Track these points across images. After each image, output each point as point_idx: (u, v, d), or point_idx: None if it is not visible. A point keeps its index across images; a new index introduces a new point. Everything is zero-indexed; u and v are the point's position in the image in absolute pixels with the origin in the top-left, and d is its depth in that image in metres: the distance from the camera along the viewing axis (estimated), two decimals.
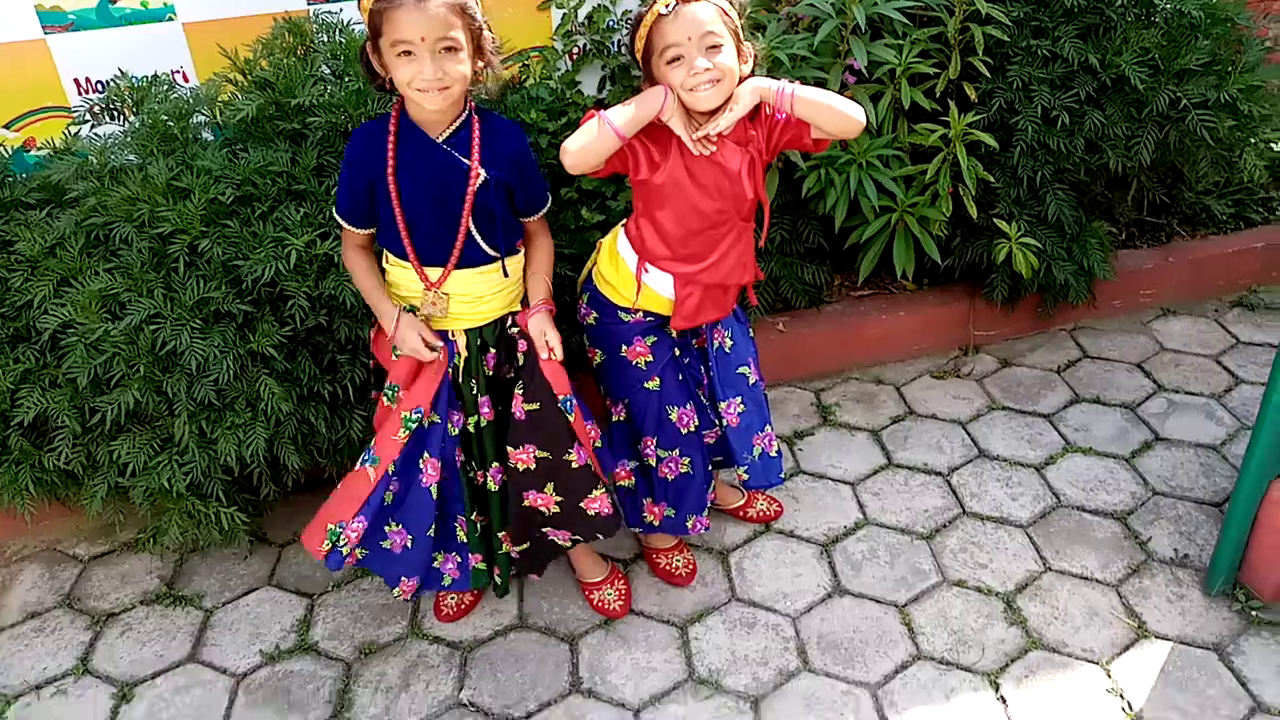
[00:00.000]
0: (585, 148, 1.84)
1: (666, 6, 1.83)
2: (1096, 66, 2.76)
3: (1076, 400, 2.99)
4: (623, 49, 2.99)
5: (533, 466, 2.04)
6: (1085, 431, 2.85)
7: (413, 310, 1.99)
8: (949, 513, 2.60)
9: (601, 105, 2.94)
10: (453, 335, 2.01)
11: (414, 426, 2.01)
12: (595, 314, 2.18)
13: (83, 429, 2.19)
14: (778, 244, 2.97)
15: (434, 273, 1.94)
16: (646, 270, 2.06)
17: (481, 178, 1.86)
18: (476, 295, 1.98)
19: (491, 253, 1.94)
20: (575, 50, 2.96)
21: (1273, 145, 3.59)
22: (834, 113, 1.88)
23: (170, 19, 2.64)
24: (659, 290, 2.09)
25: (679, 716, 2.12)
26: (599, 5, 2.92)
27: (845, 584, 2.41)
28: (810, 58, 2.65)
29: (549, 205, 2.07)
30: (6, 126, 2.65)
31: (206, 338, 2.12)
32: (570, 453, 2.03)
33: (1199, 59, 2.77)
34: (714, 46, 1.84)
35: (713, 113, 1.90)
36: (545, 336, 2.00)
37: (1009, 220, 2.85)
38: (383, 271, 2.02)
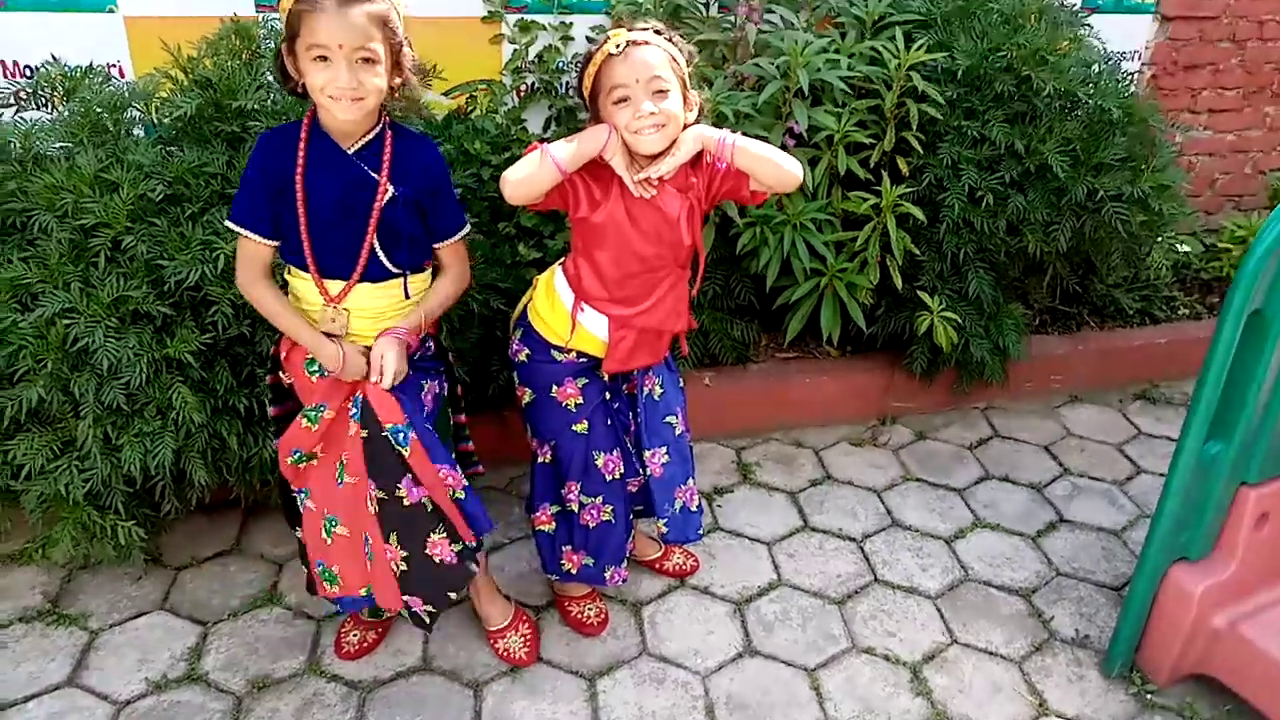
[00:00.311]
0: (526, 178, 1.83)
1: (617, 46, 1.84)
2: (1022, 152, 2.89)
3: (987, 477, 3.06)
4: (570, 91, 3.03)
5: (375, 509, 1.96)
6: (994, 508, 2.91)
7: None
8: (861, 579, 2.61)
9: (545, 142, 2.96)
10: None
11: (316, 420, 1.92)
12: (528, 350, 2.15)
13: None
14: (710, 298, 3.01)
15: (334, 286, 1.87)
16: (582, 309, 2.05)
17: (389, 193, 1.81)
18: (377, 312, 1.91)
19: (394, 270, 1.88)
20: (523, 87, 2.98)
21: (1177, 246, 3.80)
22: (773, 165, 1.90)
23: (111, 10, 2.58)
24: (593, 331, 2.07)
25: None
26: (550, 45, 2.96)
27: (757, 644, 2.39)
28: (754, 116, 2.71)
29: (464, 233, 2.00)
30: None
31: (122, 338, 2.03)
32: (400, 488, 1.94)
33: (1116, 154, 2.93)
34: (661, 91, 1.84)
35: (655, 157, 1.91)
36: (381, 360, 1.88)
37: (932, 293, 2.94)
38: (283, 286, 1.94)
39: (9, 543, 2.45)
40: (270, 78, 2.33)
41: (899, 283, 2.91)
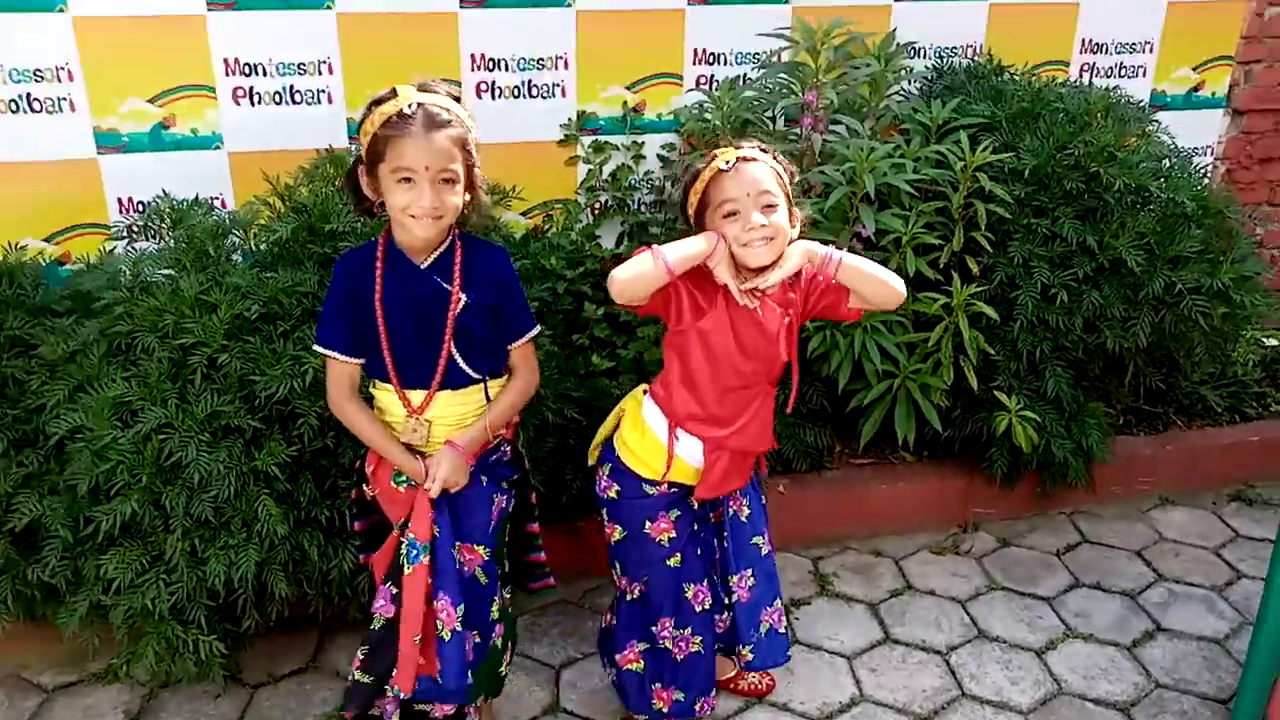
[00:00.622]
0: (635, 277, 1.85)
1: (727, 162, 1.90)
2: (1094, 248, 2.87)
3: (1077, 585, 2.95)
4: (642, 207, 3.12)
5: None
6: (1086, 618, 2.80)
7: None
8: (947, 694, 2.52)
9: (619, 260, 3.05)
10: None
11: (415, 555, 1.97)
12: (617, 487, 2.10)
13: (74, 540, 2.16)
14: (780, 402, 3.00)
15: (416, 397, 1.93)
16: (678, 438, 2.04)
17: (462, 302, 1.89)
18: (458, 420, 1.96)
19: (474, 375, 1.94)
20: (597, 205, 3.09)
21: (1264, 340, 3.68)
22: (878, 283, 1.93)
23: (217, 148, 2.77)
24: (689, 460, 2.05)
25: None
26: (622, 165, 3.07)
27: None
28: (821, 221, 2.76)
29: (533, 334, 2.05)
30: (47, 239, 2.74)
31: (213, 452, 2.12)
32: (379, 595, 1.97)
33: (1192, 247, 2.89)
34: (770, 205, 1.89)
35: (760, 271, 1.93)
36: (437, 468, 1.92)
37: (1009, 393, 2.90)
38: (369, 400, 2.01)
39: (96, 660, 2.50)
40: None
41: (974, 383, 2.88)
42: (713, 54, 3.12)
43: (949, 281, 2.86)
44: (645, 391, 2.12)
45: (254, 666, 2.53)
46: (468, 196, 1.88)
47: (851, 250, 2.81)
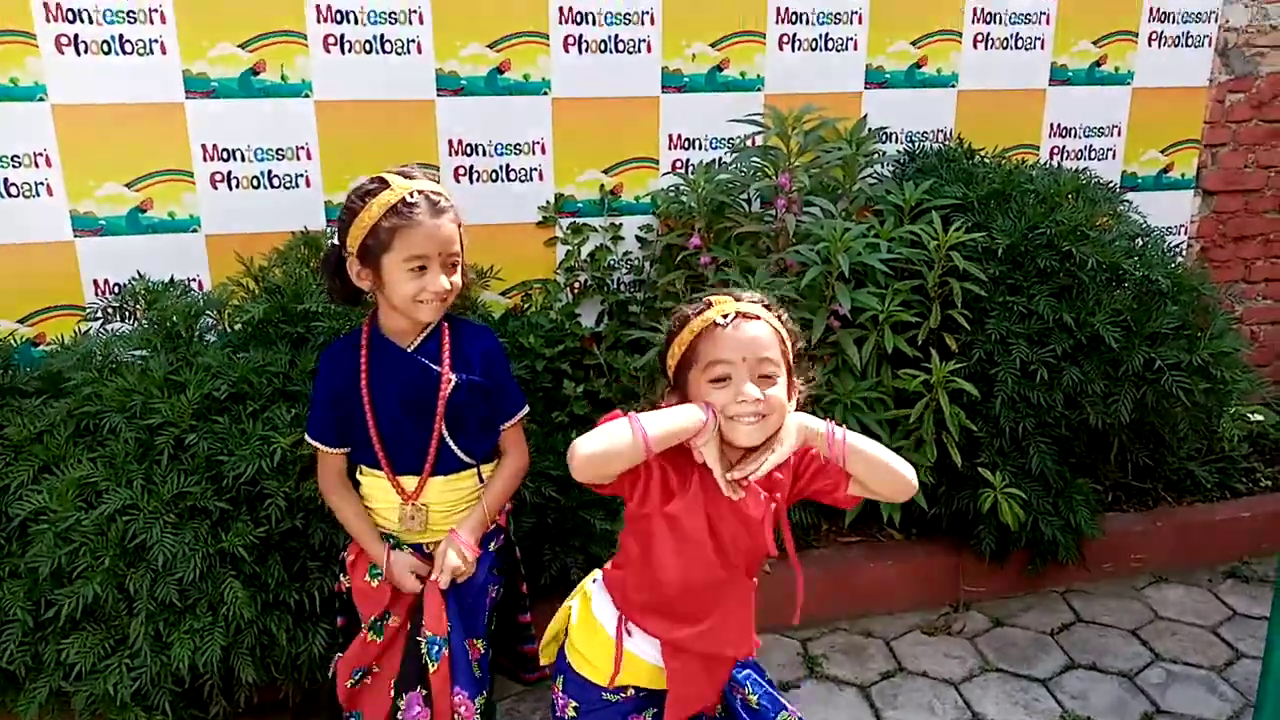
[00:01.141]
0: (603, 453, 1.49)
1: (725, 316, 1.59)
2: (1071, 325, 2.88)
3: (1073, 665, 2.87)
4: (621, 286, 3.14)
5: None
6: (1083, 700, 2.72)
7: (394, 542, 1.96)
8: None
9: (598, 338, 3.05)
10: (428, 548, 1.97)
11: (381, 631, 1.92)
12: (574, 703, 1.78)
13: (35, 624, 2.09)
14: None
15: (409, 482, 1.91)
16: (629, 633, 1.72)
17: (452, 382, 1.88)
18: (451, 505, 1.95)
19: (466, 459, 1.93)
20: (576, 284, 3.10)
21: (1249, 416, 3.67)
22: (884, 469, 1.60)
23: (194, 230, 2.79)
24: (645, 656, 1.73)
25: None
26: (601, 245, 3.09)
27: None
28: (799, 300, 2.77)
29: (524, 413, 2.05)
30: (21, 320, 2.73)
31: (179, 533, 2.08)
32: (403, 699, 1.91)
33: (1169, 323, 2.90)
34: (767, 376, 1.58)
35: (745, 451, 1.60)
36: (445, 558, 1.90)
37: (993, 470, 2.87)
38: (357, 486, 2.00)
39: None
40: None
41: (958, 460, 2.85)
42: (687, 139, 3.18)
43: (928, 359, 2.86)
44: (595, 580, 1.82)
45: None
46: (462, 279, 1.91)
47: (828, 329, 2.82)
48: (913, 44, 3.33)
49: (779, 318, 1.67)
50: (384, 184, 1.81)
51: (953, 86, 3.42)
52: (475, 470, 1.94)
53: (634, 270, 3.15)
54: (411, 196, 1.78)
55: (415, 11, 2.83)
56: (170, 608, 2.09)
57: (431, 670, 1.86)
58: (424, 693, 1.89)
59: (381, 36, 2.83)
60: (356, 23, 2.80)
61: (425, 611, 1.88)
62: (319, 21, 2.77)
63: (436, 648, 1.87)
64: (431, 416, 1.87)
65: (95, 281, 2.76)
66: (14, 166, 2.65)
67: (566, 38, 2.98)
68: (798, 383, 1.69)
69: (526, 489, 2.53)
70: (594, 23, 2.99)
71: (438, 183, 1.88)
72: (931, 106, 3.43)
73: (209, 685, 2.19)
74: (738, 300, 1.63)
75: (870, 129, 3.21)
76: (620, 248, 3.15)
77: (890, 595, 3.08)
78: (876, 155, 3.20)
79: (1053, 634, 3.01)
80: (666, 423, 1.53)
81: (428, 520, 1.92)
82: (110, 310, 2.55)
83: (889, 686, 2.77)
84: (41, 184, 2.68)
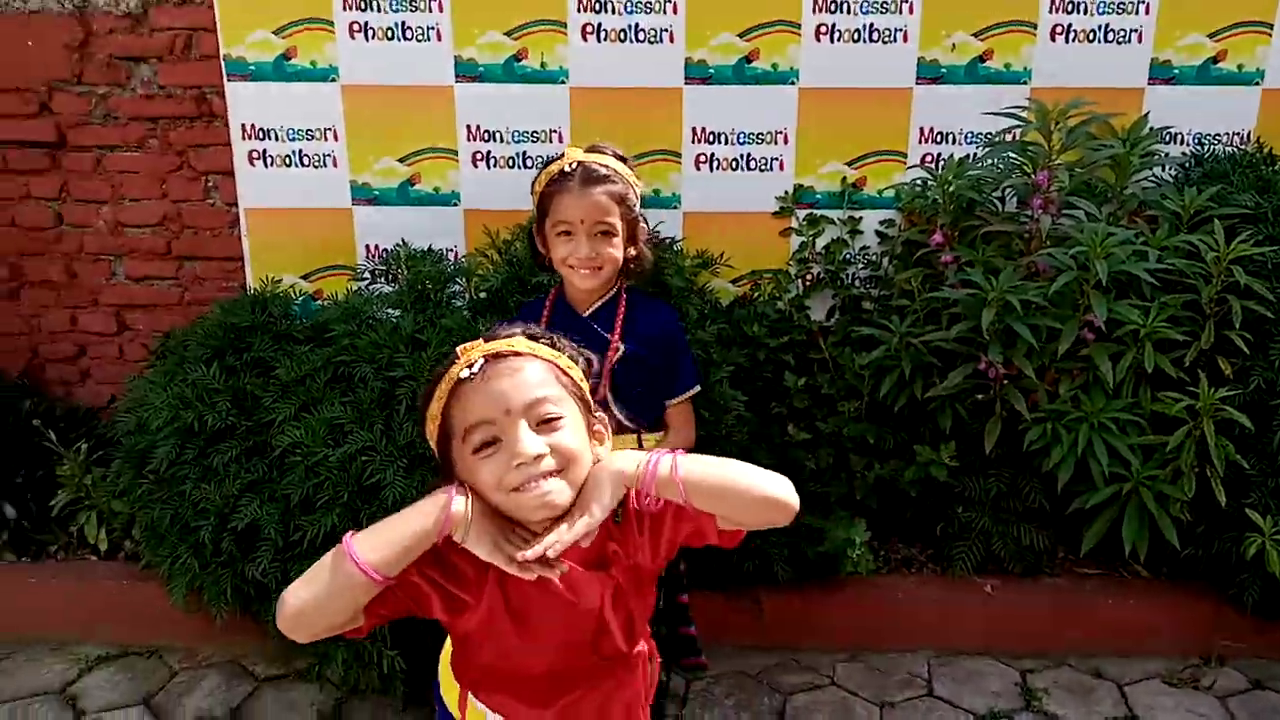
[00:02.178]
0: (316, 601, 1.21)
1: (470, 368, 1.27)
2: None
3: None
4: (856, 281, 3.05)
5: None
6: None
7: None
8: None
9: (826, 333, 2.99)
10: None
11: None
12: None
13: (285, 545, 2.34)
14: (993, 496, 2.80)
15: None
16: (473, 706, 1.45)
17: (620, 351, 1.95)
18: None
19: (629, 424, 1.96)
20: (809, 276, 3.05)
21: None
22: (740, 495, 1.26)
23: (455, 204, 3.02)
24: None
25: None
26: (838, 238, 3.03)
27: None
28: (1046, 308, 2.58)
29: (692, 392, 2.07)
30: (303, 276, 3.07)
31: (408, 477, 2.25)
32: None
33: None
34: (547, 421, 1.27)
35: (551, 522, 1.27)
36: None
37: (1264, 513, 2.54)
38: None
39: (299, 660, 2.68)
40: None
41: (1222, 497, 2.55)
42: (940, 133, 3.03)
43: (1195, 382, 2.58)
44: None
45: None
46: (631, 251, 1.98)
47: (1080, 341, 2.60)
48: (1210, 37, 3.00)
49: (552, 344, 1.35)
50: (562, 155, 1.95)
51: (1257, 84, 3.05)
52: (638, 436, 1.98)
53: (870, 266, 3.06)
54: (570, 166, 1.91)
55: (669, 1, 2.89)
56: None
57: None
58: None
59: (636, 25, 2.92)
60: (612, 11, 2.90)
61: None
62: (579, 11, 2.90)
63: None
64: (598, 380, 1.93)
65: (367, 246, 3.05)
66: (307, 139, 2.98)
67: (819, 27, 2.93)
68: (600, 416, 1.37)
69: None
70: (848, 10, 2.92)
71: (623, 160, 1.98)
72: (1228, 105, 3.07)
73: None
74: (490, 340, 1.32)
75: (1151, 128, 2.92)
76: (858, 242, 3.06)
77: (1129, 637, 2.81)
78: (1155, 156, 2.91)
79: None
80: (389, 536, 1.22)
81: None
82: (376, 272, 2.80)
83: None
84: (329, 156, 2.99)
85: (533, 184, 2.00)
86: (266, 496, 2.36)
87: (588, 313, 2.00)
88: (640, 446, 1.99)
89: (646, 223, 2.02)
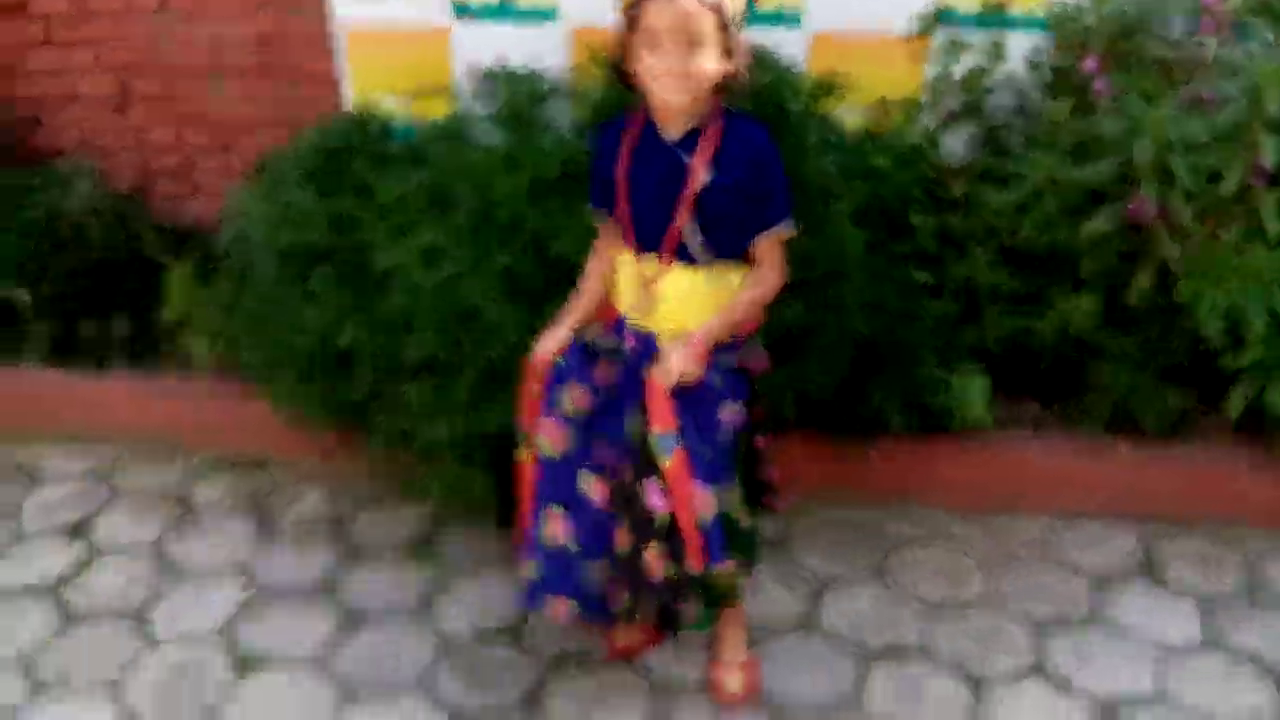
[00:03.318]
0: None
1: None
2: None
3: None
4: (998, 113, 2.78)
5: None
6: None
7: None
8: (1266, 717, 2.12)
9: (963, 171, 2.75)
10: (658, 339, 1.92)
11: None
12: None
13: (385, 367, 2.33)
14: (1135, 352, 2.59)
15: (649, 268, 1.90)
16: None
17: (703, 180, 1.81)
18: (684, 299, 1.89)
19: (707, 255, 1.86)
20: (945, 107, 2.79)
21: None
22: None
23: (554, 20, 2.83)
24: None
25: None
26: (978, 66, 2.74)
27: None
28: (1210, 145, 2.30)
29: (781, 228, 1.91)
30: (403, 96, 2.96)
31: (510, 302, 2.20)
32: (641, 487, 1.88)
33: None
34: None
35: None
36: (668, 359, 1.84)
37: None
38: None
39: (399, 479, 2.69)
40: None
41: None
42: None
43: None
44: None
45: None
46: (728, 66, 1.80)
47: (1246, 186, 2.32)
48: None
49: None
50: None
51: None
52: (720, 270, 1.88)
53: (1016, 95, 2.77)
54: None
55: None
56: (492, 373, 2.23)
57: (665, 465, 1.85)
58: (661, 485, 1.88)
59: None
60: None
61: (651, 409, 1.85)
62: None
63: (668, 443, 1.85)
64: (674, 209, 1.83)
65: (467, 66, 2.91)
66: None
67: None
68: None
69: (855, 319, 2.40)
70: None
71: None
72: None
73: None
74: None
75: None
76: (1001, 70, 2.76)
77: (1269, 510, 2.62)
78: None
79: None
80: None
81: (654, 309, 1.90)
82: (475, 93, 2.67)
83: (1238, 606, 2.41)
84: None
85: None
86: (365, 319, 2.34)
87: (673, 139, 1.84)
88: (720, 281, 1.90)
89: (743, 34, 1.83)
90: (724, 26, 1.77)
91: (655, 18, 1.73)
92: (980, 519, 2.67)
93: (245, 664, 2.27)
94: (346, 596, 2.43)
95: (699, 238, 1.85)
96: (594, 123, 2.41)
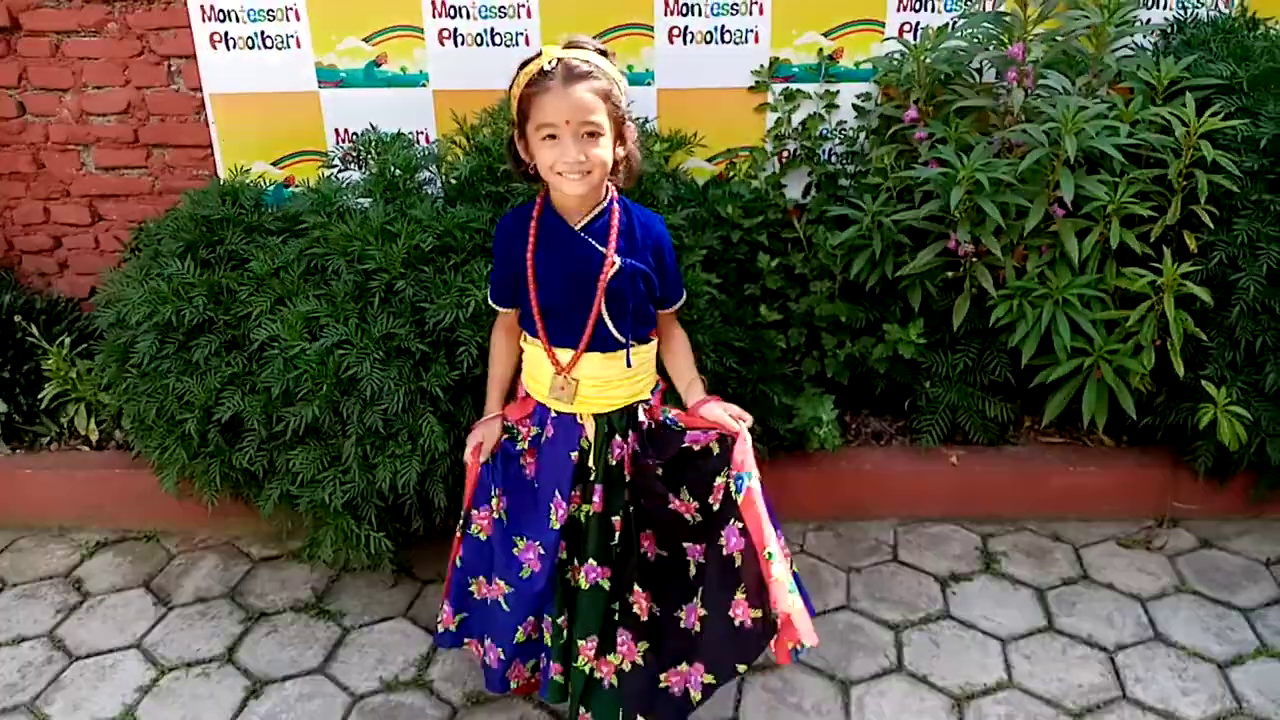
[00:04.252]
0: None
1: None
2: None
3: None
4: (832, 158, 3.04)
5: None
6: None
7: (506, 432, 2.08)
8: (1107, 693, 2.36)
9: (802, 210, 3.00)
10: (581, 419, 2.00)
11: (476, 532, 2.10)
12: None
13: (268, 435, 2.41)
14: (960, 371, 2.88)
15: (564, 355, 1.95)
16: None
17: (616, 266, 1.87)
18: (604, 380, 1.96)
19: (620, 339, 1.93)
20: (785, 153, 3.04)
21: None
22: None
23: (423, 85, 2.95)
24: None
25: None
26: (814, 114, 2.99)
27: None
28: (1015, 186, 2.59)
29: (681, 303, 2.06)
30: (274, 164, 3.04)
31: (386, 369, 2.30)
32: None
33: None
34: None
35: None
36: (729, 412, 1.96)
37: (1218, 385, 2.63)
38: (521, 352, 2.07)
39: (290, 541, 2.82)
40: None
41: (1180, 369, 2.62)
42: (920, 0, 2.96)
43: (1160, 257, 2.61)
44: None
45: (424, 564, 2.74)
46: (620, 152, 1.86)
47: (1048, 217, 2.62)
48: None
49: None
50: (539, 54, 1.80)
51: None
52: (626, 350, 1.94)
53: (847, 141, 3.04)
54: (550, 64, 1.76)
55: None
56: (376, 434, 2.34)
57: (739, 500, 1.92)
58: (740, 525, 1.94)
59: None
60: None
61: (740, 456, 1.92)
62: None
63: (741, 481, 1.93)
64: (592, 297, 1.88)
65: (336, 130, 3.01)
66: (269, 20, 2.89)
67: None
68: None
69: (708, 358, 2.59)
70: None
71: (605, 55, 1.84)
72: None
73: (409, 504, 2.44)
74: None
75: None
76: (834, 117, 3.03)
77: (1087, 502, 2.95)
78: (1135, 23, 2.85)
79: (1267, 564, 2.78)
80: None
81: (576, 393, 1.96)
82: (348, 158, 2.77)
83: (1068, 593, 2.69)
84: (291, 37, 2.92)
85: (509, 87, 1.85)
86: (248, 389, 2.41)
87: (580, 226, 1.90)
88: (628, 362, 1.95)
89: (632, 120, 1.90)
90: (616, 112, 1.81)
91: (552, 112, 1.76)
92: (834, 529, 2.92)
93: None
94: (251, 662, 2.47)
95: (614, 322, 1.91)
96: (458, 196, 2.54)
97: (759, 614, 1.91)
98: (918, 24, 2.99)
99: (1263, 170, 2.61)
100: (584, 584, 2.01)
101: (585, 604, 2.02)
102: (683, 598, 2.04)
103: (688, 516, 2.02)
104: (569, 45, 1.82)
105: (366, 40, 2.93)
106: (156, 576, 2.77)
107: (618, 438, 2.00)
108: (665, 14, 2.93)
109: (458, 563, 2.14)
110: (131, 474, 2.85)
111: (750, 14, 2.94)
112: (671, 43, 2.96)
